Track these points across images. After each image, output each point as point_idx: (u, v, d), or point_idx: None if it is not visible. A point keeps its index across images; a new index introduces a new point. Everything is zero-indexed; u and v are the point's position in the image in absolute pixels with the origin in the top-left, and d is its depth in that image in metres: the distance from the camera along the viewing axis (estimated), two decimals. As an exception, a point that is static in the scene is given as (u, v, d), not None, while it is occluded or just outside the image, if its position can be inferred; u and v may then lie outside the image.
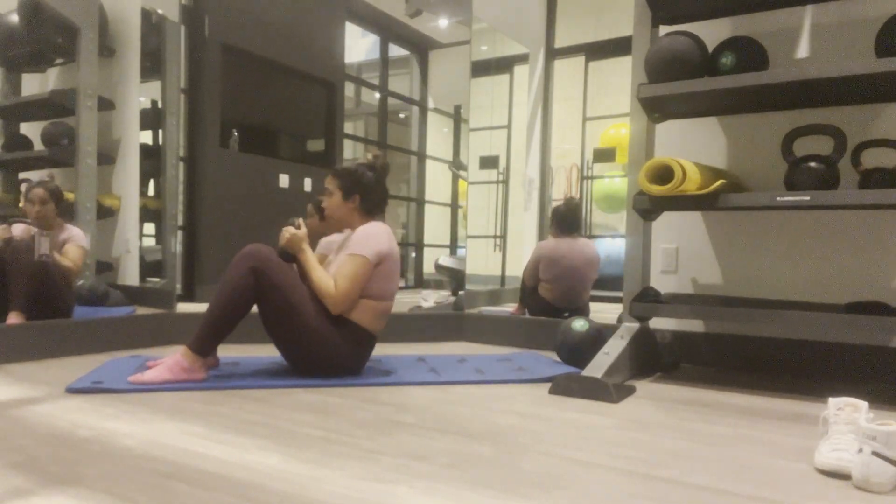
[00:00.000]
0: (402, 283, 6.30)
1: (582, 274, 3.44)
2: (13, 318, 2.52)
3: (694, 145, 2.65)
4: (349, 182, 2.29)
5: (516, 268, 4.08)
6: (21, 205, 3.54)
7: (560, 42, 4.65)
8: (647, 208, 2.29)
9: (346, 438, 1.51)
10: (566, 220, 3.48)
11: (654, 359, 2.52)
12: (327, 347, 2.15)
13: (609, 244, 4.73)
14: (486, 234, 4.83)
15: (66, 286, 2.81)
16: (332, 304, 2.14)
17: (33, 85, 4.15)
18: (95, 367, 2.25)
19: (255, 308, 2.12)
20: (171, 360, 2.05)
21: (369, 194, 2.30)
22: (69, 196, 3.55)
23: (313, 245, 2.56)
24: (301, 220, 2.24)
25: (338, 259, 2.25)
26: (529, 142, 4.65)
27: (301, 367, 2.21)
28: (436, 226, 6.81)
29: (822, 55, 2.43)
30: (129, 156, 3.81)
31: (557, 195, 5.06)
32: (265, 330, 2.17)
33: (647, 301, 2.34)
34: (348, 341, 2.18)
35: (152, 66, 3.84)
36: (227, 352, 2.57)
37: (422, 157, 6.71)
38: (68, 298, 2.81)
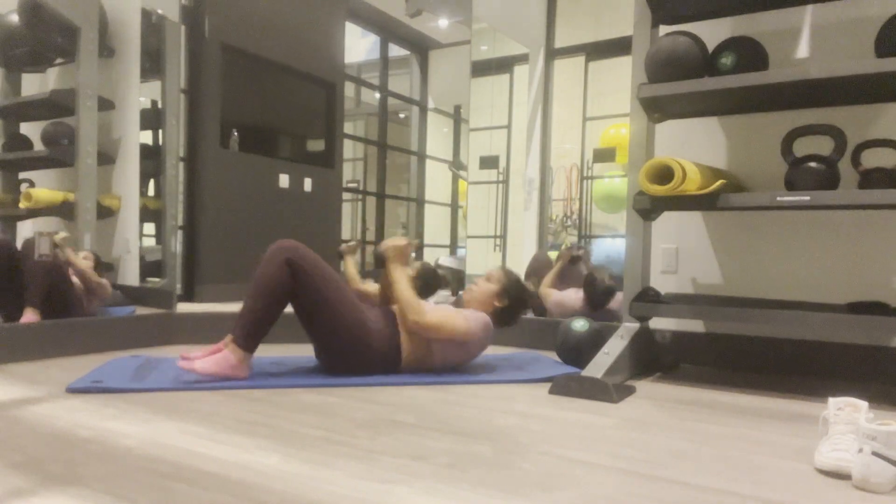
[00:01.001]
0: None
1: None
2: (28, 315, 2.55)
3: (694, 145, 2.65)
4: (511, 290, 2.42)
5: (516, 268, 4.08)
6: (21, 204, 3.55)
7: (560, 42, 4.64)
8: (647, 208, 2.29)
9: (346, 438, 1.51)
10: (599, 298, 3.16)
11: (654, 359, 2.52)
12: (362, 342, 2.17)
13: (609, 244, 4.73)
14: (486, 234, 4.84)
15: (77, 289, 2.83)
16: (414, 319, 2.20)
17: (33, 85, 4.15)
18: (95, 367, 2.25)
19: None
20: (219, 354, 2.05)
21: (513, 311, 2.44)
22: (68, 196, 3.55)
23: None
24: (417, 242, 2.32)
25: (446, 307, 2.37)
26: (529, 142, 4.65)
27: (331, 358, 2.23)
28: (436, 226, 6.81)
29: (822, 55, 2.43)
30: (129, 156, 3.81)
31: (557, 195, 5.06)
32: (300, 322, 2.19)
33: (647, 301, 2.34)
34: (382, 346, 2.21)
35: (152, 66, 3.84)
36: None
37: (422, 157, 6.71)
38: (76, 298, 2.83)
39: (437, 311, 2.24)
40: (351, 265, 2.73)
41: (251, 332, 2.07)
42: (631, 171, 2.37)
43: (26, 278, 2.59)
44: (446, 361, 2.31)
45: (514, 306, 2.43)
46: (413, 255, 2.31)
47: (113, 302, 3.41)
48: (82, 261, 2.95)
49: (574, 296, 3.27)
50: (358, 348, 2.18)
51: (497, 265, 2.52)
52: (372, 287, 2.63)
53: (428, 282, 3.37)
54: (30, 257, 2.62)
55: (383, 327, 2.22)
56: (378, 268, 2.37)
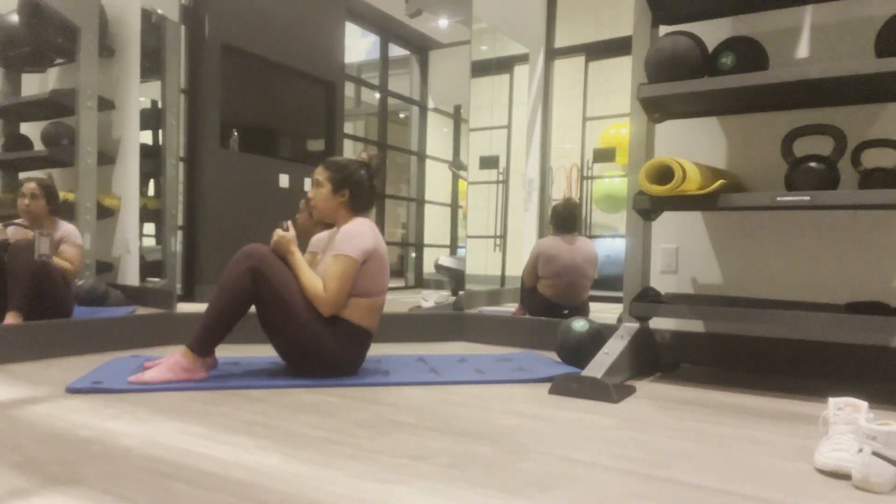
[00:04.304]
0: (401, 283, 6.31)
1: (581, 270, 3.44)
2: (11, 319, 2.51)
3: (694, 145, 2.65)
4: (340, 176, 2.27)
5: (516, 268, 4.09)
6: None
7: (560, 42, 4.64)
8: (647, 208, 2.29)
9: (346, 438, 1.51)
10: (564, 218, 3.52)
11: (654, 359, 2.52)
12: (322, 346, 2.15)
13: (609, 244, 4.73)
14: (486, 234, 4.83)
15: (65, 287, 2.81)
16: (322, 305, 2.13)
17: (33, 85, 4.15)
18: (95, 367, 2.25)
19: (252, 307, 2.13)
20: (171, 359, 2.05)
21: (359, 192, 2.28)
22: (68, 196, 3.55)
23: (304, 243, 2.53)
24: (290, 223, 2.24)
25: (325, 259, 2.25)
26: (529, 142, 4.65)
27: (298, 365, 2.21)
28: (436, 226, 6.80)
29: (822, 55, 2.43)
30: (129, 156, 3.81)
31: (557, 195, 5.05)
32: (262, 329, 2.18)
33: (647, 301, 2.34)
34: (343, 339, 2.18)
35: (152, 66, 3.84)
36: (227, 352, 2.57)
37: (422, 157, 6.71)
38: (68, 299, 2.81)
39: (327, 276, 2.14)
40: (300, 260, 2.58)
41: (205, 337, 2.06)
42: (631, 171, 2.37)
43: (10, 280, 2.54)
44: (376, 284, 2.22)
45: (357, 186, 2.27)
46: (293, 234, 2.21)
47: (113, 302, 3.41)
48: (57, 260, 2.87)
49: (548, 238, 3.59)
50: (319, 352, 2.15)
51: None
52: None
53: None
54: (17, 258, 2.56)
55: (333, 318, 2.17)
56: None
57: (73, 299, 2.87)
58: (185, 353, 2.06)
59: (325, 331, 2.14)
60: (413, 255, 6.56)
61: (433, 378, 2.21)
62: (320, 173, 2.29)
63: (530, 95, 4.63)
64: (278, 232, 2.20)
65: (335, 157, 2.35)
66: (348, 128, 5.84)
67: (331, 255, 2.20)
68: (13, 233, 2.86)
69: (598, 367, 2.09)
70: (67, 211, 3.54)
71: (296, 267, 2.17)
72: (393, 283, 4.20)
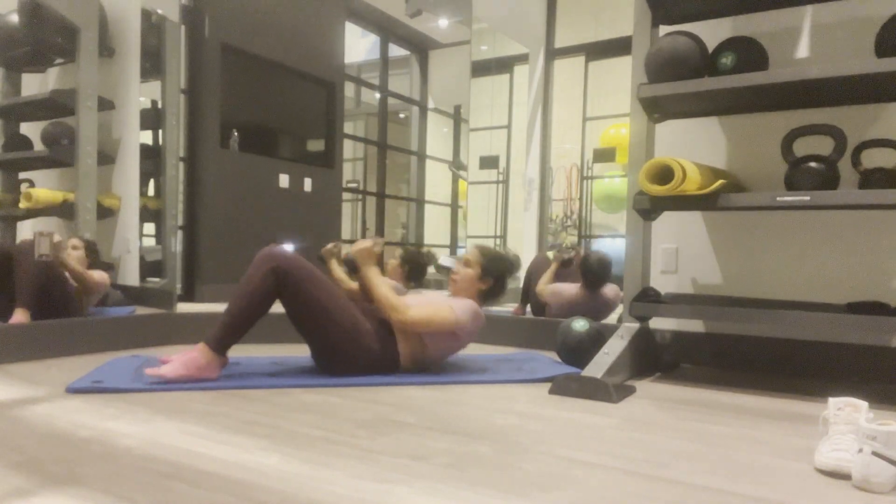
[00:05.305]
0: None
1: (596, 315, 3.34)
2: (18, 315, 2.54)
3: (694, 145, 2.65)
4: (492, 266, 2.41)
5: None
6: (21, 204, 3.55)
7: (560, 42, 4.64)
8: (647, 208, 2.29)
9: (346, 438, 1.51)
10: (595, 277, 3.26)
11: (653, 359, 2.52)
12: (356, 344, 2.18)
13: (609, 244, 4.73)
14: (486, 234, 4.84)
15: (72, 290, 2.82)
16: (395, 312, 2.20)
17: (33, 85, 4.15)
18: (95, 367, 2.25)
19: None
20: (186, 356, 2.05)
21: (499, 284, 2.44)
22: (68, 196, 3.55)
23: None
24: (382, 240, 2.33)
25: (430, 296, 2.36)
26: (529, 142, 4.65)
27: (327, 361, 2.23)
28: (436, 226, 6.81)
29: (822, 55, 2.43)
30: (129, 156, 3.81)
31: (557, 195, 5.05)
32: (294, 326, 2.20)
33: (647, 301, 2.34)
34: (382, 351, 2.22)
35: (152, 66, 3.84)
36: (227, 352, 2.57)
37: (422, 157, 6.71)
38: (73, 300, 2.82)
39: (422, 305, 2.24)
40: (336, 268, 2.67)
41: (224, 336, 2.07)
42: (631, 171, 2.37)
43: (19, 278, 2.57)
44: (442, 352, 2.32)
45: (500, 278, 2.43)
46: (382, 252, 2.30)
47: (113, 302, 3.41)
48: (77, 264, 2.91)
49: (570, 286, 3.34)
50: (354, 351, 2.18)
51: (472, 245, 2.52)
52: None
53: (416, 265, 3.39)
54: (24, 257, 2.60)
55: (378, 328, 2.23)
56: (351, 273, 2.37)
57: (76, 304, 2.88)
58: (202, 350, 2.05)
59: (364, 332, 2.18)
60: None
61: (433, 378, 2.21)
62: (474, 256, 2.43)
63: (530, 95, 4.63)
64: (367, 242, 2.27)
65: (489, 247, 2.53)
66: (348, 128, 5.84)
67: (445, 299, 2.33)
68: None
69: (598, 367, 2.09)
70: (67, 211, 3.55)
71: (373, 278, 2.25)
72: (393, 283, 4.19)
